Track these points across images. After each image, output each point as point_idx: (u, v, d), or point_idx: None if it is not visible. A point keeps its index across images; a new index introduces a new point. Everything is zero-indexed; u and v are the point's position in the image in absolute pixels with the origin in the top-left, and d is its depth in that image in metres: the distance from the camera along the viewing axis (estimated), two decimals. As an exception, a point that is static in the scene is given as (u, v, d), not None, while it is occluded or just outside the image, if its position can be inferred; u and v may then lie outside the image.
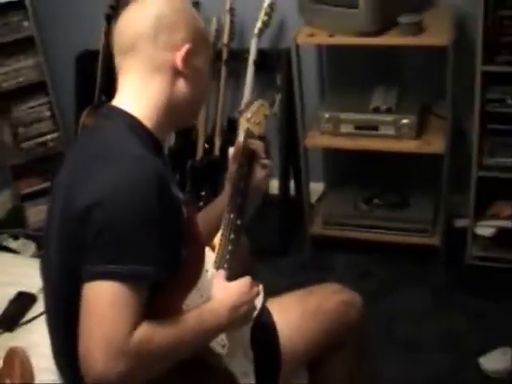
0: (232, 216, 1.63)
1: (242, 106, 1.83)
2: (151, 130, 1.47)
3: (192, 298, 1.43)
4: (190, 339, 1.36)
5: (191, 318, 1.38)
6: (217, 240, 1.62)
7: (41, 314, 2.10)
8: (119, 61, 1.51)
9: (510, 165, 2.75)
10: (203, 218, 1.73)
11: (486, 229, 2.90)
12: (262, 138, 1.79)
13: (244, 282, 1.52)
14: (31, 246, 3.42)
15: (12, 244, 3.41)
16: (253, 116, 1.76)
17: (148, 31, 1.45)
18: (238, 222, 1.63)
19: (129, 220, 1.28)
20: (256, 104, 1.80)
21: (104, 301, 1.26)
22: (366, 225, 3.08)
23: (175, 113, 1.51)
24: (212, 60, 1.61)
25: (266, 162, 1.74)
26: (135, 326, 1.26)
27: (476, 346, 2.58)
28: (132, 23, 1.48)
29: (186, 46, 1.47)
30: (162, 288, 1.35)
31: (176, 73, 1.48)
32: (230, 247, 1.60)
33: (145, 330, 1.27)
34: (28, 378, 1.44)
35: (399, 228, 3.03)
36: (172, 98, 1.48)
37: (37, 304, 2.18)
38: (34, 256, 3.23)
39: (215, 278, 1.53)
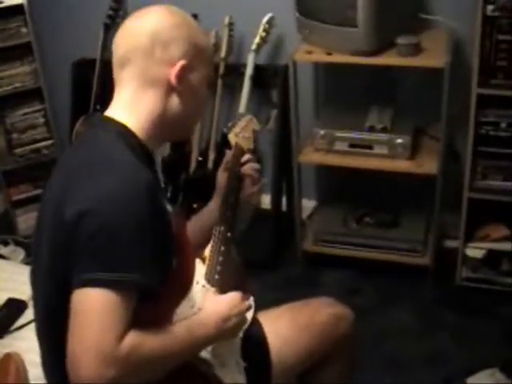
0: (222, 228, 1.64)
1: (230, 122, 1.83)
2: (142, 140, 1.46)
3: (182, 309, 1.44)
4: (178, 348, 1.37)
5: (180, 328, 1.38)
6: (207, 252, 1.63)
7: (31, 321, 2.10)
8: (116, 72, 1.51)
9: (501, 187, 2.77)
10: (191, 227, 1.73)
11: (476, 250, 2.92)
12: (252, 152, 1.80)
13: (234, 296, 1.53)
14: (21, 253, 3.41)
15: (1, 250, 3.40)
16: (241, 131, 1.77)
17: (144, 45, 1.44)
18: (228, 234, 1.64)
19: (119, 227, 1.28)
20: (244, 119, 1.80)
21: (93, 308, 1.26)
22: (356, 243, 3.08)
23: (167, 127, 1.50)
24: (212, 76, 1.60)
25: (256, 177, 1.76)
26: (124, 333, 1.26)
27: (463, 367, 2.58)
28: (129, 36, 1.48)
29: (181, 63, 1.45)
30: (153, 298, 1.34)
31: (170, 88, 1.47)
32: (220, 258, 1.61)
33: (134, 337, 1.27)
34: (22, 384, 1.45)
35: (389, 247, 3.03)
36: (165, 113, 1.48)
37: (27, 311, 2.18)
38: (23, 263, 3.22)
39: (208, 292, 1.54)
